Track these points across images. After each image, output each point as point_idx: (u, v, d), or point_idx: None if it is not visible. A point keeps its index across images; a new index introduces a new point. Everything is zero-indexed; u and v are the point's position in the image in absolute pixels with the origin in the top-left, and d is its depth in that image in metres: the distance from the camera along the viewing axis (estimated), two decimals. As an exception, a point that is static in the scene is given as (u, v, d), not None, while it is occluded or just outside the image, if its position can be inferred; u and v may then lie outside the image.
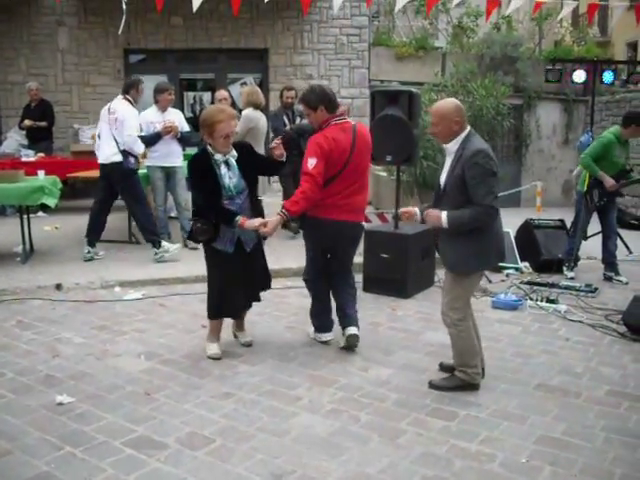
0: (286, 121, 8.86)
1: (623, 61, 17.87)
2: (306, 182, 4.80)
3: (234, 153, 4.90)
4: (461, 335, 4.41)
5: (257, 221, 4.79)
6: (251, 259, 5.05)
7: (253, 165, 5.01)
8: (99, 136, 7.90)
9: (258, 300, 5.27)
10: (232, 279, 4.96)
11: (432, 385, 4.54)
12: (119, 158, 7.60)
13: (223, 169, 4.85)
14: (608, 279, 7.58)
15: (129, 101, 7.74)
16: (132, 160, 7.65)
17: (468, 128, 4.32)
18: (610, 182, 7.38)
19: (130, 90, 7.82)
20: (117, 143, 7.60)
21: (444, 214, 4.24)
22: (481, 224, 4.21)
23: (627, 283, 7.42)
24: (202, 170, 4.85)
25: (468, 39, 14.94)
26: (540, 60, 14.09)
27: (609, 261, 7.68)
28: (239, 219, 4.76)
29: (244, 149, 5.02)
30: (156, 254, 7.73)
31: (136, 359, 5.02)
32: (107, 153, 7.69)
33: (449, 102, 4.40)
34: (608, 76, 12.03)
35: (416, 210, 4.49)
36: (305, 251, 5.33)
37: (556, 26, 16.97)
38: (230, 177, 4.85)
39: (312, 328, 5.49)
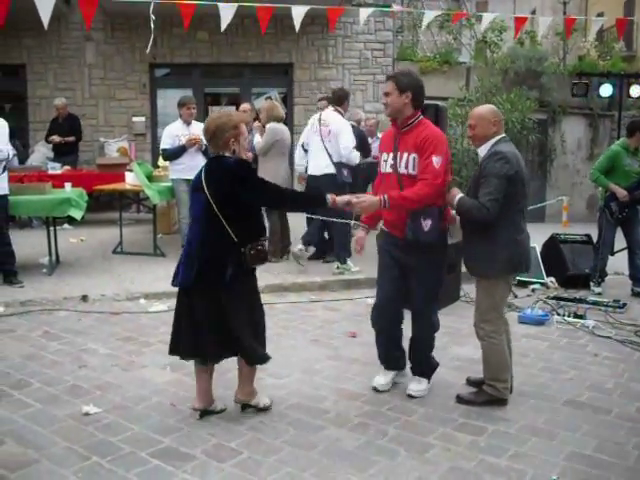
0: None
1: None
2: (428, 186, 4.20)
3: None
4: (493, 348, 4.37)
5: (347, 197, 4.29)
6: None
7: None
8: (303, 146, 7.97)
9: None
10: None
11: (460, 399, 4.49)
12: (332, 170, 7.66)
13: None
14: (637, 295, 7.48)
15: (340, 113, 7.81)
16: (345, 172, 7.71)
17: (502, 135, 4.34)
18: (622, 193, 7.36)
19: (343, 102, 7.92)
20: (330, 155, 7.64)
21: (459, 196, 4.29)
22: (475, 219, 4.23)
23: (656, 299, 7.33)
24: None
25: (492, 54, 14.91)
26: (565, 75, 14.03)
27: (637, 277, 7.59)
28: (329, 196, 4.20)
29: None
30: (337, 268, 7.82)
31: (162, 370, 5.02)
32: (320, 165, 7.71)
33: (486, 105, 4.57)
34: (635, 90, 11.94)
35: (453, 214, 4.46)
36: (434, 281, 4.49)
37: (581, 40, 16.88)
38: None
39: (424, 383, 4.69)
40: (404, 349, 4.74)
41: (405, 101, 4.30)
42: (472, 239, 4.39)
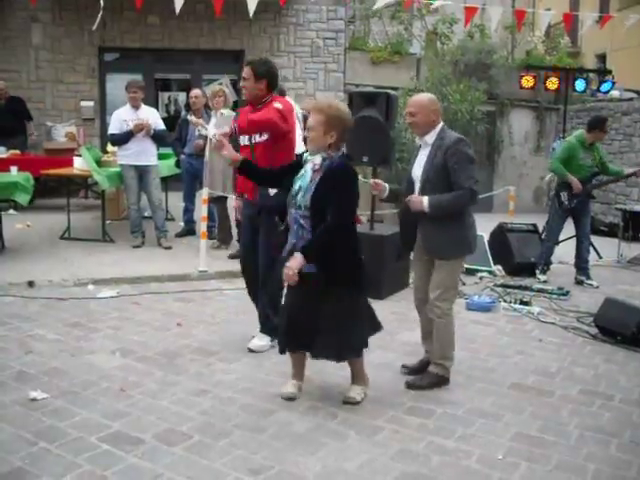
0: None
1: (594, 70, 18.12)
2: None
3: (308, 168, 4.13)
4: (447, 327, 4.53)
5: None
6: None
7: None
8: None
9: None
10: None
11: (409, 386, 4.55)
12: None
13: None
14: (579, 283, 7.69)
15: None
16: None
17: (442, 122, 4.49)
18: (577, 185, 7.51)
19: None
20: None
21: (425, 198, 4.37)
22: (461, 207, 4.40)
23: (598, 287, 7.53)
24: None
25: (443, 45, 15.06)
26: (513, 68, 14.27)
27: (581, 266, 7.79)
28: None
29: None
30: None
31: (111, 356, 4.97)
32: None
33: (426, 94, 4.71)
34: (580, 84, 12.25)
35: (385, 185, 4.54)
36: (268, 247, 4.85)
37: (529, 35, 17.18)
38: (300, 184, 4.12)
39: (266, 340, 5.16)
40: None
41: (260, 87, 4.88)
42: (437, 225, 4.43)
